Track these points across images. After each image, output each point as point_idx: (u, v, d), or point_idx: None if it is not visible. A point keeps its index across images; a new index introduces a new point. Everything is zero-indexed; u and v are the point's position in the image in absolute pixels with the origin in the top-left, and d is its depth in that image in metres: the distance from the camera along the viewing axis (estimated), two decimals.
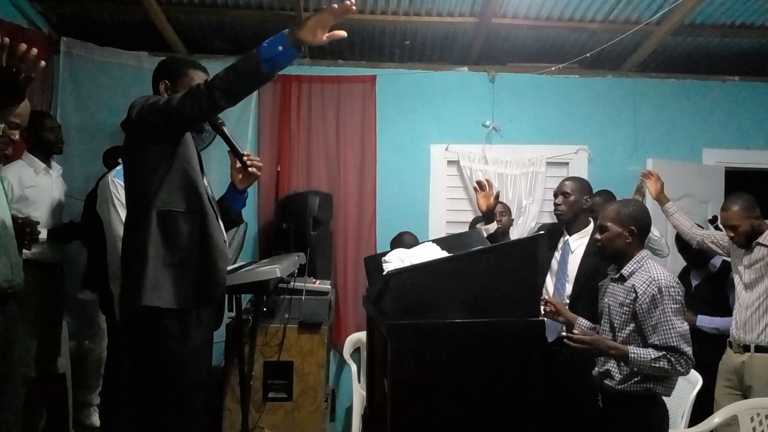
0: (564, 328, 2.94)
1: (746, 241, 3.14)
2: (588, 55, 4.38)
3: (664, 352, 2.25)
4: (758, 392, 3.05)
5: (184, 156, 2.15)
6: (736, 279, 3.25)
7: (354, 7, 1.87)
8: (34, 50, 1.62)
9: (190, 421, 2.13)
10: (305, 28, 1.86)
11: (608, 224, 2.46)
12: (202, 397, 2.21)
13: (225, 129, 2.27)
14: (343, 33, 1.92)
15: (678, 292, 2.32)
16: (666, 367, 2.24)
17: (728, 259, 3.41)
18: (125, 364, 2.69)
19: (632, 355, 2.26)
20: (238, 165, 2.38)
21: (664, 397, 2.39)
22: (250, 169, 2.35)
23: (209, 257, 2.14)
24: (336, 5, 1.85)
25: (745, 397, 3.11)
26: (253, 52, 1.89)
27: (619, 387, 2.34)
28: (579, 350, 2.34)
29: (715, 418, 2.91)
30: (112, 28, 4.40)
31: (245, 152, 2.36)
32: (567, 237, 3.12)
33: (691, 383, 2.97)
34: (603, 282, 2.62)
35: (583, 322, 2.69)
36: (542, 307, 2.75)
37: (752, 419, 2.86)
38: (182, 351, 2.10)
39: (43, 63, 1.66)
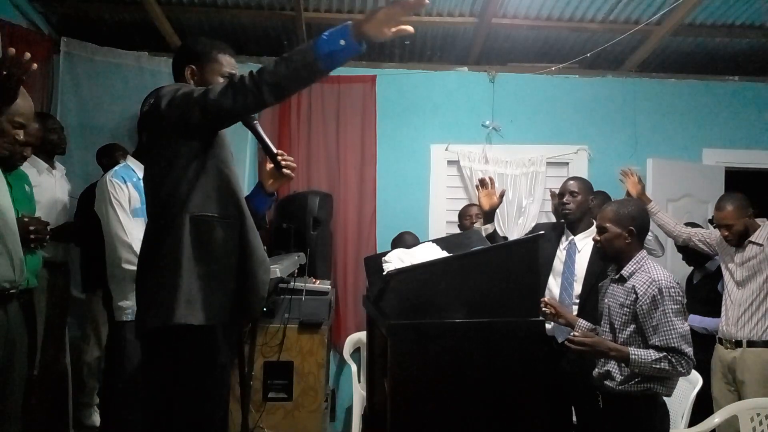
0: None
1: (739, 239, 3.21)
2: (588, 55, 4.38)
3: (665, 353, 2.24)
4: (751, 386, 3.09)
5: (219, 155, 1.94)
6: (727, 276, 3.30)
7: (428, 1, 1.68)
8: (27, 54, 1.62)
9: None
10: (373, 22, 1.67)
11: (607, 225, 2.46)
12: (222, 416, 2.06)
13: (258, 126, 2.08)
14: (410, 28, 1.72)
15: (678, 292, 2.32)
16: (667, 368, 2.24)
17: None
18: (127, 368, 2.71)
19: (633, 356, 2.26)
20: (270, 165, 2.18)
21: (664, 398, 2.39)
22: (284, 170, 2.14)
23: (248, 267, 1.94)
24: None
25: (739, 392, 3.14)
26: (310, 45, 1.68)
27: (620, 387, 2.34)
28: (580, 352, 2.34)
29: (715, 418, 2.91)
30: (112, 28, 4.40)
31: (279, 151, 2.16)
32: (572, 237, 3.11)
33: (691, 383, 2.98)
34: (603, 282, 2.62)
35: (583, 323, 2.69)
36: (544, 310, 2.75)
37: (752, 419, 2.86)
38: (211, 370, 1.91)
39: (35, 66, 1.64)
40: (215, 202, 1.90)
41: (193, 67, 2.06)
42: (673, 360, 2.24)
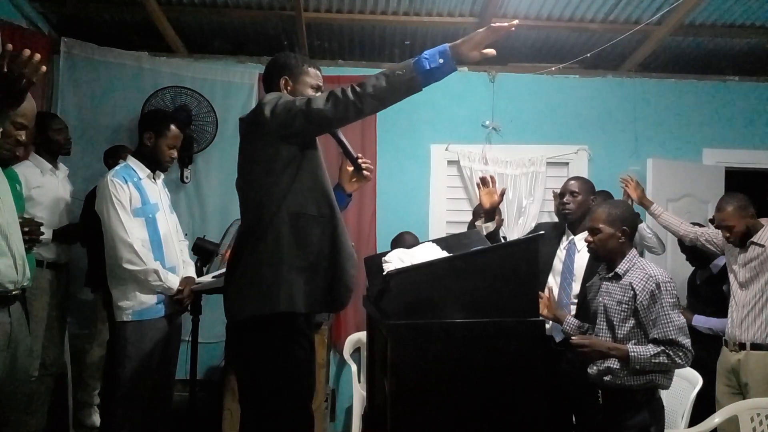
0: None
1: (741, 240, 3.17)
2: (588, 55, 4.38)
3: (662, 348, 2.34)
4: (754, 389, 3.07)
5: (313, 158, 2.11)
6: (731, 278, 3.27)
7: (514, 29, 1.87)
8: (38, 56, 1.63)
9: (307, 425, 2.16)
10: (470, 44, 1.84)
11: (600, 226, 2.53)
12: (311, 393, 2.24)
13: (339, 132, 2.24)
14: (493, 51, 1.89)
15: (673, 287, 2.42)
16: (666, 361, 2.34)
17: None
18: (127, 368, 2.71)
19: (632, 353, 2.35)
20: (350, 167, 2.36)
21: (663, 391, 2.47)
22: (364, 172, 2.33)
23: (339, 261, 2.09)
24: (505, 23, 1.85)
25: (743, 395, 3.12)
26: (411, 63, 1.85)
27: (620, 382, 2.40)
28: (581, 354, 2.42)
29: (715, 418, 2.91)
30: (112, 28, 4.40)
31: (359, 154, 2.33)
32: (572, 236, 3.11)
33: (691, 383, 2.97)
34: (592, 282, 2.68)
35: (571, 321, 2.77)
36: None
37: (752, 419, 2.85)
38: (306, 356, 2.12)
39: (44, 68, 1.67)
40: (311, 202, 2.07)
41: (287, 78, 2.21)
42: (671, 353, 2.33)
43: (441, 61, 1.82)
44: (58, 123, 3.50)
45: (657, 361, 2.33)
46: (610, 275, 2.54)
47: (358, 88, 1.88)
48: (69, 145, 3.53)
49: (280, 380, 2.05)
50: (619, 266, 2.51)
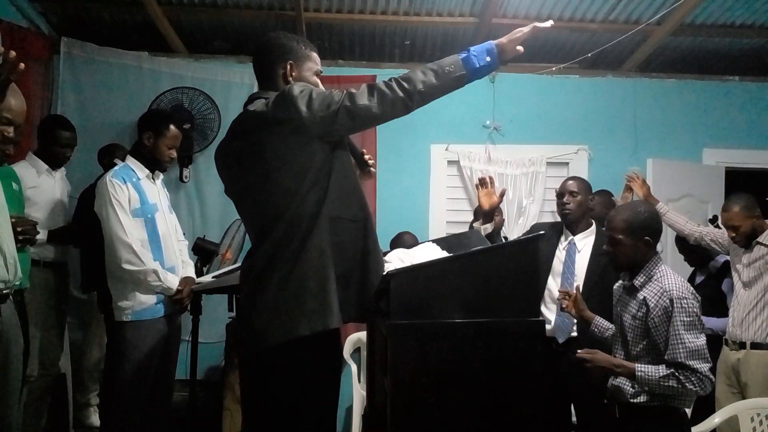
0: (575, 328, 2.92)
1: (747, 240, 3.17)
2: (588, 55, 4.38)
3: (672, 370, 2.15)
4: (753, 389, 3.07)
5: (344, 157, 1.92)
6: (735, 277, 3.27)
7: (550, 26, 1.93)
8: (12, 53, 1.62)
9: None
10: (515, 42, 1.85)
11: (620, 237, 2.31)
12: None
13: None
14: (521, 49, 1.90)
15: (692, 303, 2.20)
16: (675, 385, 2.14)
17: (729, 258, 3.42)
18: (126, 368, 2.71)
19: (639, 373, 2.18)
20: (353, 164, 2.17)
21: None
22: (371, 168, 2.27)
23: (370, 267, 1.91)
24: (547, 23, 1.91)
25: (742, 394, 3.13)
26: (459, 59, 1.82)
27: (632, 400, 2.25)
28: (585, 369, 2.28)
29: (715, 418, 2.91)
30: (112, 28, 4.40)
31: (363, 149, 2.24)
32: (571, 237, 3.10)
33: None
34: (617, 286, 2.52)
35: (601, 322, 2.57)
36: (562, 301, 2.65)
37: (752, 419, 2.85)
38: (338, 369, 2.01)
39: (22, 66, 1.65)
40: (346, 204, 1.89)
41: (292, 63, 1.98)
42: (681, 377, 2.13)
43: (488, 59, 1.82)
44: (67, 139, 3.38)
45: (666, 384, 2.13)
46: (628, 285, 2.35)
47: (406, 84, 1.78)
48: (64, 162, 3.43)
49: (320, 403, 1.90)
50: (637, 278, 2.31)
